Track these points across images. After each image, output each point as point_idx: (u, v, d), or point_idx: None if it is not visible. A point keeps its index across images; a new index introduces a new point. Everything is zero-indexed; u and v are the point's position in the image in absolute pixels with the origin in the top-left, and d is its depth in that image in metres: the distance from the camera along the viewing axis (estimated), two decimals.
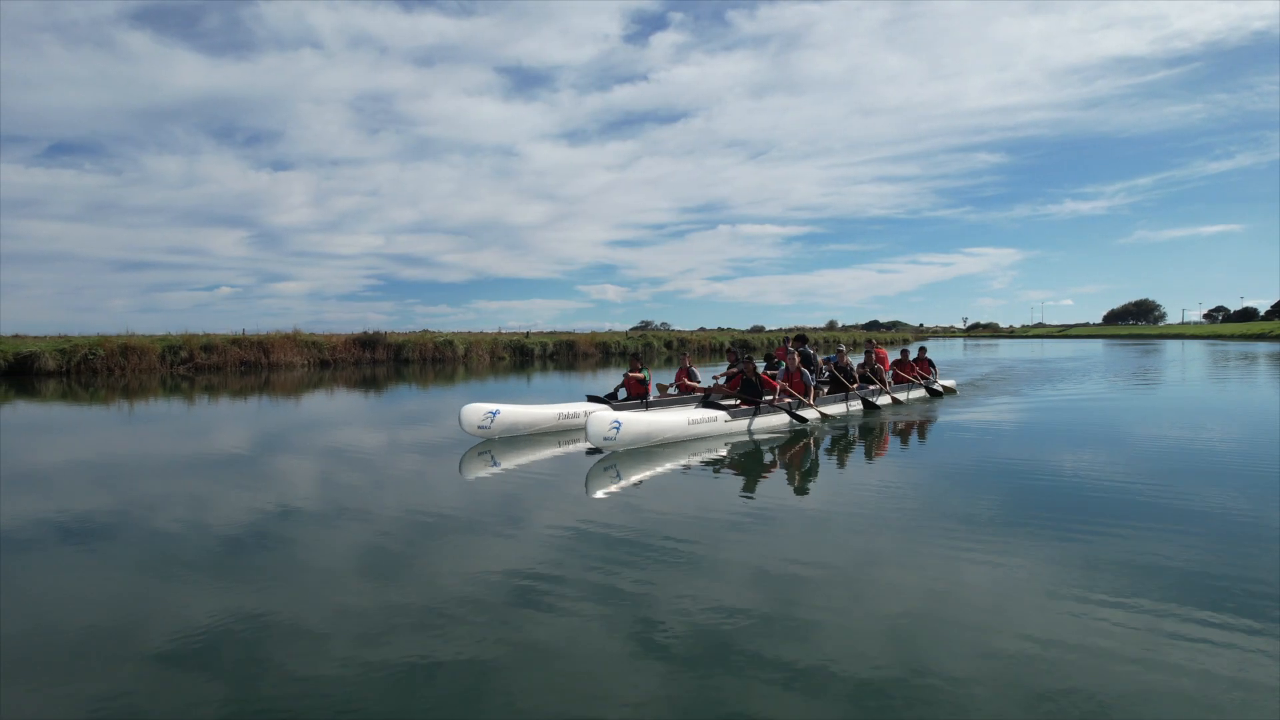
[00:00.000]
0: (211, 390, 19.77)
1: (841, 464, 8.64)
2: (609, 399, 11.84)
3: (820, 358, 14.10)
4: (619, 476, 7.80)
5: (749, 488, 7.41)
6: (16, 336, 28.31)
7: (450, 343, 35.22)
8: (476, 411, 10.11)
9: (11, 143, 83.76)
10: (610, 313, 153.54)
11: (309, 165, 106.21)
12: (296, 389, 20.36)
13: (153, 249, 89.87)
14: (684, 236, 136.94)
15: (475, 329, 43.19)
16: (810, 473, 8.15)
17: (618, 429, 8.64)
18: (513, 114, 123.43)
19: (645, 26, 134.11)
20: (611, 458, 8.70)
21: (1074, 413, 13.47)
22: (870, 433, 10.97)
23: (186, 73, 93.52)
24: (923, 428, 11.44)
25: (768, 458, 9.14)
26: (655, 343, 44.33)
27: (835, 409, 12.42)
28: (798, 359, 12.01)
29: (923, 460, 8.81)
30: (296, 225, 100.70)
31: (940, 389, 16.30)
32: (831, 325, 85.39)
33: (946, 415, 12.86)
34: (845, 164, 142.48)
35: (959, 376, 22.10)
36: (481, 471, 8.34)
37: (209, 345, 27.96)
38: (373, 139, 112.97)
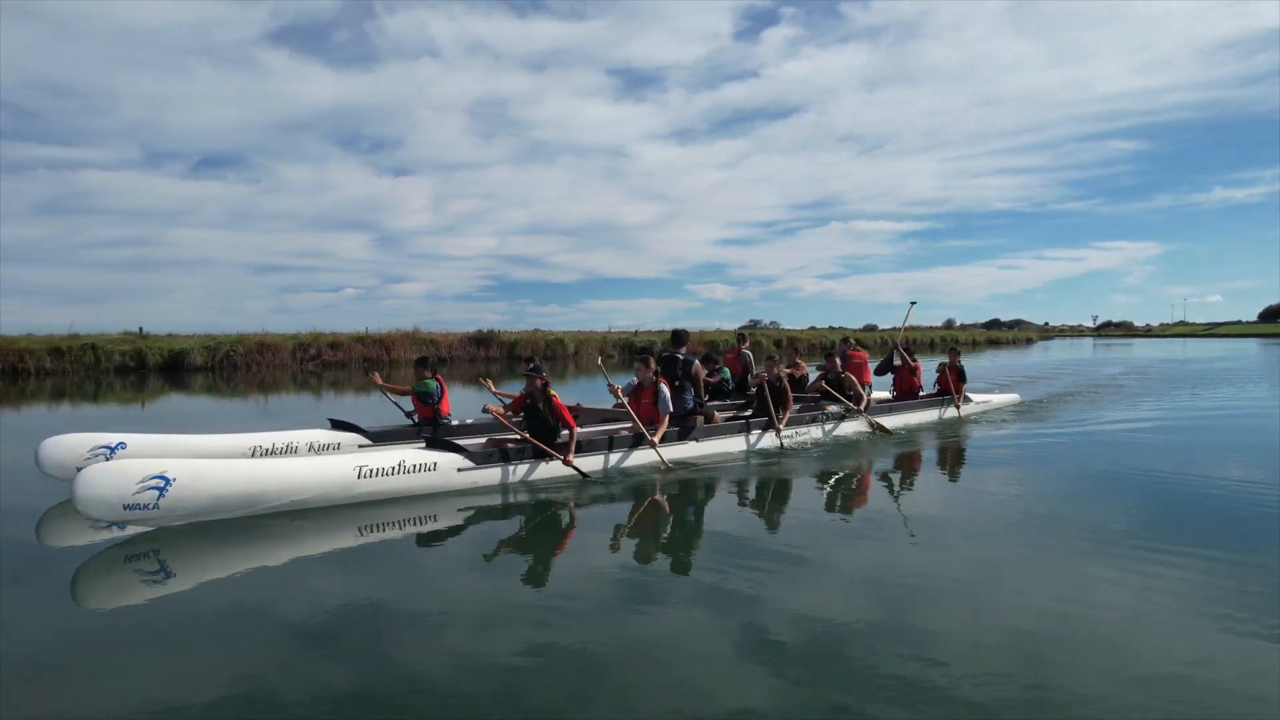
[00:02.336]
0: (337, 384, 21.06)
1: (952, 471, 8.24)
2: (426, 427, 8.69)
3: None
4: (160, 574, 4.57)
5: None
6: (170, 335, 31.04)
7: (561, 341, 36.20)
8: (78, 445, 6.58)
9: (167, 158, 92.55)
10: (719, 312, 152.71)
11: (428, 170, 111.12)
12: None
13: (285, 253, 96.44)
14: (794, 234, 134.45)
15: (585, 328, 44.11)
16: (910, 481, 7.81)
17: (161, 490, 4.94)
18: (623, 115, 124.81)
19: (756, 23, 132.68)
20: (154, 540, 5.06)
21: (1224, 420, 12.28)
22: (964, 447, 10.38)
23: (316, 86, 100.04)
24: (1043, 436, 10.73)
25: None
26: (764, 341, 43.74)
27: (688, 449, 7.98)
28: (651, 369, 7.80)
29: (1046, 469, 8.21)
30: (415, 228, 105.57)
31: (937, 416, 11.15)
32: (949, 324, 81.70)
33: (1068, 420, 12.01)
34: (965, 156, 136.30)
35: (1072, 379, 20.64)
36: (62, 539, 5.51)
37: (335, 343, 29.97)
38: (488, 143, 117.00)
